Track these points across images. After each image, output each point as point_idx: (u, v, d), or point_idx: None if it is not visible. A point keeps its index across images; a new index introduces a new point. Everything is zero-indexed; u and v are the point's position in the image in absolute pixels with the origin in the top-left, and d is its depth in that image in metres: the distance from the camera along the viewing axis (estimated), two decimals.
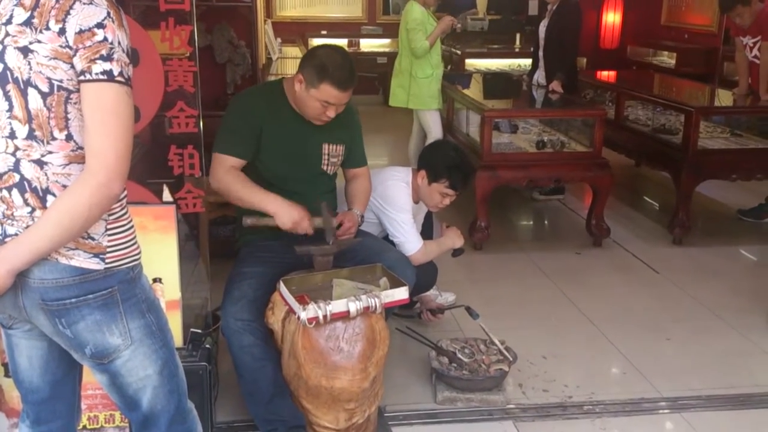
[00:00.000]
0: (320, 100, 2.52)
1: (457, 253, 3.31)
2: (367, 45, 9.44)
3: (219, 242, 3.55)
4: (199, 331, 2.55)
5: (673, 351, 3.30)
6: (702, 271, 4.23)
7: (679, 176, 4.57)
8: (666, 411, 2.84)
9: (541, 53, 5.48)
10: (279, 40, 7.84)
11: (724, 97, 5.61)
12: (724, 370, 3.13)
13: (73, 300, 1.52)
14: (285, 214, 2.50)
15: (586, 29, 8.03)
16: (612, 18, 9.42)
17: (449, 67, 7.91)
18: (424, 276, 3.10)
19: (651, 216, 5.51)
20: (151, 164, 2.59)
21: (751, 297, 3.82)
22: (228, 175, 2.55)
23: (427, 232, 3.42)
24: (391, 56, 5.84)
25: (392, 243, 3.04)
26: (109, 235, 1.55)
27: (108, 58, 1.43)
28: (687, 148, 4.51)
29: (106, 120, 1.44)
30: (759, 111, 5.09)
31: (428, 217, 3.50)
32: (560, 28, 5.21)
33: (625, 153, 5.52)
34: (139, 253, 1.64)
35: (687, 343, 3.36)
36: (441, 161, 3.12)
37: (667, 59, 8.47)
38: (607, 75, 6.75)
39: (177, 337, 2.36)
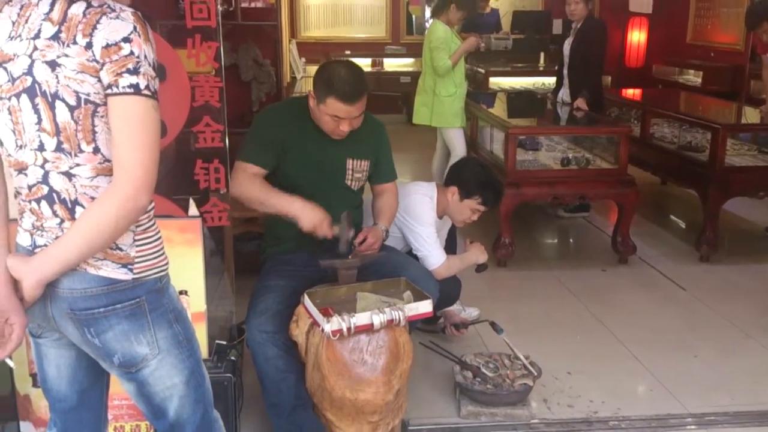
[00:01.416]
0: (330, 115, 2.55)
1: (480, 268, 3.31)
2: (391, 65, 9.51)
3: (244, 257, 3.57)
4: (224, 342, 2.57)
5: (701, 368, 3.25)
6: (730, 289, 4.17)
7: (706, 194, 4.52)
8: (693, 427, 2.80)
9: (565, 71, 5.48)
10: (303, 59, 7.94)
11: (751, 115, 5.56)
12: (752, 387, 3.08)
13: (101, 309, 1.54)
14: (307, 215, 2.52)
15: (611, 48, 8.02)
16: (637, 37, 9.39)
17: (476, 88, 7.94)
18: (448, 290, 3.10)
19: (677, 234, 5.45)
20: (178, 179, 2.62)
21: None
22: (250, 181, 2.59)
23: (450, 247, 3.42)
24: (415, 76, 5.89)
25: (416, 257, 3.04)
26: (137, 246, 1.57)
27: (134, 71, 1.46)
28: (714, 165, 4.47)
29: (132, 133, 1.46)
30: None
31: (452, 232, 3.51)
32: (585, 45, 5.21)
33: (651, 171, 5.48)
34: (166, 263, 1.66)
35: (715, 361, 3.31)
36: (473, 178, 3.16)
37: (693, 77, 8.41)
38: (632, 93, 6.72)
39: (202, 349, 2.37)
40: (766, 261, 4.63)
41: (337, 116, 2.54)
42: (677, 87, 8.15)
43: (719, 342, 3.51)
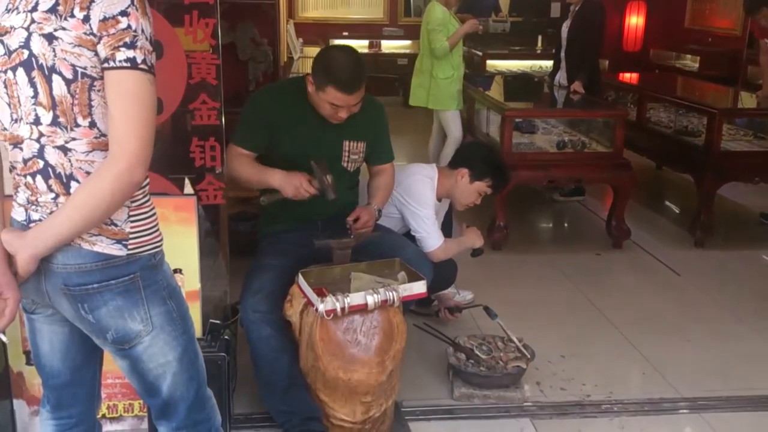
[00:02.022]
0: (328, 102, 2.54)
1: (476, 253, 3.31)
2: (388, 46, 9.47)
3: (239, 238, 3.56)
4: (218, 322, 2.57)
5: (694, 353, 3.27)
6: (724, 275, 4.19)
7: (701, 178, 4.53)
8: (685, 411, 2.81)
9: (563, 54, 5.46)
10: (301, 40, 7.88)
11: (748, 100, 5.56)
12: (745, 372, 3.10)
13: (95, 285, 1.54)
14: (287, 184, 2.56)
15: (609, 32, 7.98)
16: (635, 21, 9.36)
17: (474, 71, 7.91)
18: (444, 273, 3.10)
19: (672, 218, 5.46)
20: (173, 158, 2.61)
21: None
22: (237, 160, 2.63)
23: (446, 231, 3.42)
24: (412, 58, 5.87)
25: (412, 240, 3.04)
26: (132, 221, 1.57)
27: (132, 45, 1.45)
28: (709, 150, 4.47)
29: (129, 107, 1.45)
30: None
31: (448, 216, 3.51)
32: (583, 28, 5.19)
33: (647, 155, 5.49)
34: (161, 240, 1.65)
35: (708, 346, 3.33)
36: (485, 161, 3.20)
37: (691, 63, 8.40)
38: (629, 77, 6.72)
39: (196, 328, 2.35)
40: (759, 246, 4.64)
41: (336, 104, 2.54)
42: (674, 72, 8.14)
43: (712, 327, 3.52)
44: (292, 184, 2.55)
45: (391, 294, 2.31)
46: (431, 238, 3.03)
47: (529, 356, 2.89)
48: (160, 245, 1.65)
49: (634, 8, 9.30)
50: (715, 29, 8.38)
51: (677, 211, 5.68)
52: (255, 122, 2.66)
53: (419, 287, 2.40)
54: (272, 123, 2.64)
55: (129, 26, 1.44)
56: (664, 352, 3.24)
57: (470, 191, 3.18)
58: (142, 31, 1.47)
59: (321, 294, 2.27)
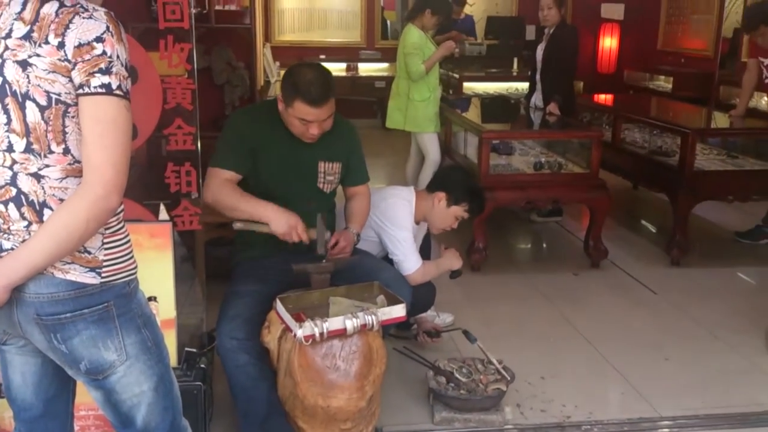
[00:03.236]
0: (298, 118, 2.53)
1: (455, 275, 3.31)
2: (366, 69, 9.51)
3: (216, 263, 3.53)
4: (194, 350, 2.53)
5: (672, 371, 3.28)
6: (700, 292, 4.22)
7: (676, 198, 4.58)
8: (665, 430, 2.82)
9: (538, 76, 5.51)
10: (278, 63, 7.91)
11: (721, 120, 5.64)
12: (723, 389, 3.11)
13: (68, 315, 1.52)
14: (281, 219, 2.50)
15: (584, 54, 8.10)
16: (609, 43, 9.50)
17: (450, 92, 7.96)
18: (422, 296, 3.10)
19: (649, 237, 5.51)
20: (149, 183, 2.60)
21: (748, 318, 3.80)
22: (223, 187, 2.56)
23: (425, 253, 3.41)
24: (390, 80, 5.90)
25: (391, 262, 3.04)
26: (106, 249, 1.55)
27: (107, 71, 1.44)
28: (683, 169, 4.53)
29: (104, 133, 1.45)
30: (754, 133, 5.11)
31: (426, 238, 3.51)
32: (557, 50, 5.25)
33: (623, 175, 5.54)
34: (135, 267, 1.64)
35: (685, 363, 3.35)
36: (462, 186, 3.20)
37: (664, 83, 8.53)
38: (604, 98, 6.80)
39: (172, 357, 2.35)
40: (734, 264, 4.69)
41: (305, 119, 2.53)
42: (648, 92, 8.26)
43: (690, 344, 3.54)
44: (287, 223, 2.50)
45: (370, 318, 2.29)
46: (409, 261, 3.02)
47: (509, 378, 2.88)
48: (135, 273, 1.64)
49: (608, 30, 9.45)
50: (688, 50, 8.54)
51: (653, 230, 5.73)
52: (236, 143, 2.63)
53: (398, 311, 2.39)
54: (253, 144, 2.62)
55: (104, 52, 1.44)
56: (643, 371, 3.25)
57: (447, 215, 3.18)
58: (118, 57, 1.47)
59: (299, 319, 2.25)
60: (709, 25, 8.11)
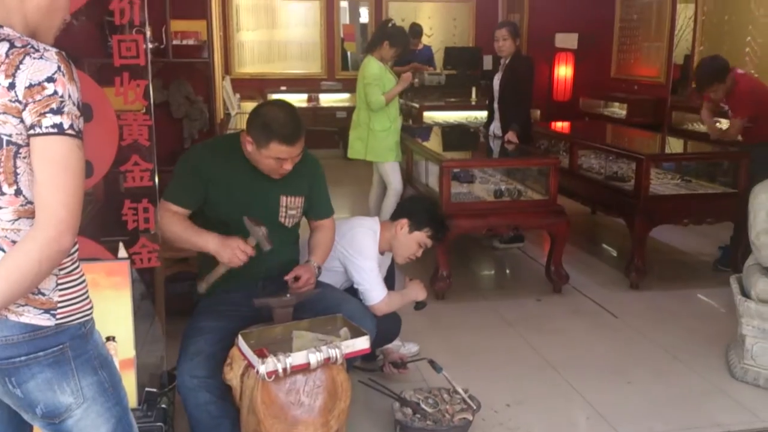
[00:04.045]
0: (272, 158, 2.54)
1: (419, 306, 3.32)
2: (327, 100, 9.56)
3: (176, 299, 3.49)
4: (155, 390, 2.49)
5: (635, 394, 3.31)
6: (660, 315, 4.29)
7: (632, 222, 4.66)
8: None
9: (496, 105, 5.60)
10: (238, 95, 7.90)
11: (674, 145, 5.78)
12: (686, 411, 3.15)
13: (23, 358, 1.49)
14: (223, 249, 2.49)
15: (539, 82, 8.25)
16: (564, 71, 9.70)
17: (410, 121, 8.03)
18: (387, 327, 3.09)
19: (608, 261, 5.59)
20: (106, 221, 2.56)
21: (708, 339, 3.87)
22: (170, 219, 2.57)
23: (389, 284, 3.41)
24: (351, 110, 5.93)
25: (354, 293, 3.03)
26: (60, 290, 1.53)
27: (58, 111, 1.43)
28: (639, 194, 4.62)
29: (56, 173, 1.43)
30: (706, 157, 5.24)
31: (391, 269, 3.51)
32: (514, 81, 5.35)
33: (581, 201, 5.63)
34: (91, 308, 1.61)
35: (648, 386, 3.38)
36: (424, 212, 3.22)
37: (618, 110, 8.73)
38: (560, 126, 6.92)
39: (131, 397, 2.30)
40: (693, 286, 4.78)
41: (280, 158, 2.54)
42: (603, 119, 8.44)
43: (651, 367, 3.59)
44: (228, 249, 2.49)
45: (333, 351, 2.28)
46: (374, 291, 3.02)
47: (475, 407, 2.88)
48: (90, 313, 1.61)
49: (563, 59, 9.65)
50: (640, 78, 8.76)
51: (613, 254, 5.82)
52: (188, 179, 2.63)
53: (362, 343, 2.38)
54: (206, 179, 2.61)
55: (56, 92, 1.43)
56: (606, 396, 3.28)
57: (410, 242, 3.19)
58: (69, 96, 1.46)
59: (262, 355, 2.23)
60: (660, 53, 8.34)
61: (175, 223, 2.57)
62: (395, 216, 3.27)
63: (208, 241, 2.53)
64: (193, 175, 2.62)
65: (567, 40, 9.52)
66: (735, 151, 4.91)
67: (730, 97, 4.90)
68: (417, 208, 3.27)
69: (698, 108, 5.55)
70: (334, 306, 2.65)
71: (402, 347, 3.55)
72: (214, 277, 2.53)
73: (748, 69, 6.63)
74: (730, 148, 5.06)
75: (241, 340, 2.31)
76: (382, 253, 3.23)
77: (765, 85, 5.20)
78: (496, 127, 5.62)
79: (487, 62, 8.85)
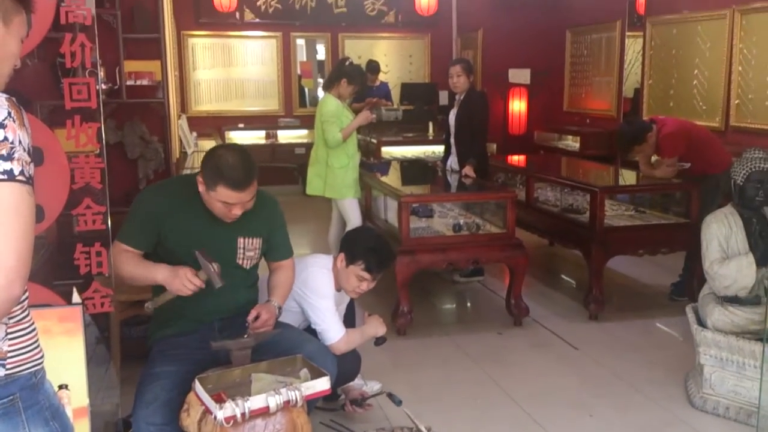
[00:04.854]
0: (221, 201, 2.52)
1: (379, 341, 3.29)
2: (285, 136, 9.56)
3: (132, 343, 3.42)
4: None
5: (596, 427, 3.33)
6: (619, 346, 4.33)
7: (589, 253, 4.73)
8: None
9: (452, 140, 5.67)
10: (195, 134, 7.85)
11: (627, 177, 5.90)
12: None
13: None
14: (172, 279, 2.48)
15: (495, 117, 8.40)
16: (518, 106, 9.90)
17: (371, 159, 8.07)
18: (347, 365, 3.06)
19: (568, 293, 5.64)
20: (58, 264, 2.51)
21: (668, 369, 3.92)
22: (123, 258, 2.56)
23: (349, 321, 3.40)
24: (310, 147, 5.95)
25: (313, 333, 3.00)
26: (10, 339, 1.48)
27: (8, 157, 1.40)
28: (594, 226, 4.70)
29: (5, 221, 1.40)
30: (658, 188, 5.36)
31: (350, 306, 3.49)
32: (468, 116, 5.42)
33: (538, 233, 5.70)
34: (41, 357, 1.57)
35: (609, 419, 3.40)
36: (359, 244, 3.16)
37: (572, 142, 8.91)
38: (517, 159, 7.02)
39: None
40: (650, 316, 4.84)
41: (228, 202, 2.52)
42: (558, 152, 8.60)
43: (612, 399, 3.61)
44: (177, 278, 2.47)
45: (293, 394, 2.25)
46: (332, 331, 3.00)
47: None
48: (41, 362, 1.57)
49: (516, 94, 9.86)
50: (592, 111, 8.99)
51: (572, 286, 5.88)
52: (142, 220, 2.61)
53: (322, 384, 2.36)
54: (161, 221, 2.59)
55: (5, 138, 1.40)
56: (568, 428, 3.29)
57: (349, 275, 3.13)
58: (20, 142, 1.43)
59: (220, 400, 2.18)
60: (611, 87, 8.58)
61: (127, 261, 2.56)
62: (339, 250, 3.25)
63: (158, 272, 2.53)
64: (147, 217, 2.60)
65: (520, 75, 9.74)
66: (685, 182, 5.03)
67: (658, 145, 5.05)
68: (353, 240, 3.23)
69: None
70: (293, 346, 2.62)
71: (364, 386, 3.51)
72: (163, 300, 2.52)
73: (697, 101, 6.87)
74: (679, 179, 5.17)
75: (198, 385, 2.26)
76: (338, 290, 3.21)
77: (690, 123, 5.35)
78: (453, 162, 5.68)
79: (443, 97, 8.99)
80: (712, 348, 3.38)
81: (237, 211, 2.56)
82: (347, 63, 5.54)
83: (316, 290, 3.04)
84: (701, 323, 3.49)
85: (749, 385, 3.27)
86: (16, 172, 1.41)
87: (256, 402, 2.19)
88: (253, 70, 9.58)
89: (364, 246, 3.14)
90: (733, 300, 3.42)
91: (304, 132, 9.46)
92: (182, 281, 2.46)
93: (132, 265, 2.56)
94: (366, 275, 3.11)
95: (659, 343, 4.41)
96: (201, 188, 2.55)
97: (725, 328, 3.38)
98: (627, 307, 5.08)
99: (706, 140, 5.11)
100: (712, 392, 3.41)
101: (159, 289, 2.61)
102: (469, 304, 5.50)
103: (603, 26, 8.64)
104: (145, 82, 5.35)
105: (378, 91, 8.84)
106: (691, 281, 4.84)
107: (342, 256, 3.14)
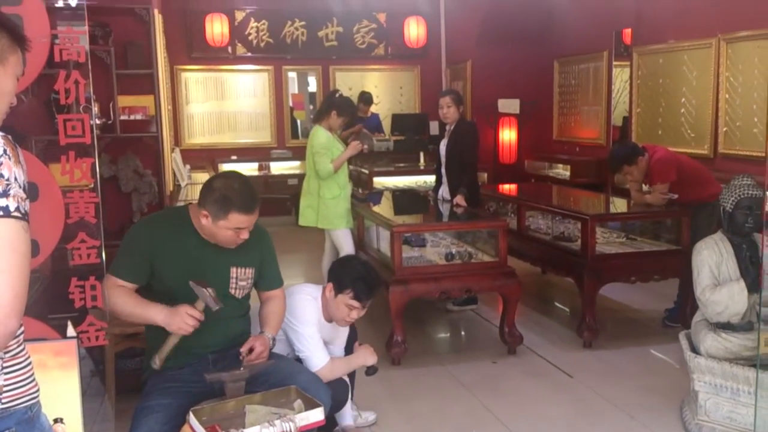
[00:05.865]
0: (231, 228, 2.57)
1: (370, 371, 3.28)
2: (278, 168, 9.62)
3: (127, 376, 3.41)
4: None
5: None
6: (613, 373, 4.34)
7: (581, 281, 4.75)
8: None
9: (443, 170, 5.71)
10: (188, 166, 7.90)
11: (618, 204, 5.95)
12: None
13: None
14: (172, 319, 2.50)
15: (485, 146, 8.48)
16: (508, 135, 9.99)
17: (366, 192, 8.11)
18: (334, 393, 3.04)
19: (561, 321, 5.65)
20: (53, 298, 2.52)
21: (663, 395, 3.92)
22: (117, 293, 2.56)
23: (349, 352, 3.38)
24: (302, 178, 5.99)
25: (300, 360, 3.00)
26: (6, 373, 1.49)
27: (4, 194, 1.42)
28: (586, 254, 4.73)
29: (2, 256, 1.41)
30: (649, 216, 5.40)
31: (351, 337, 3.47)
32: (459, 146, 5.48)
33: (531, 261, 5.72)
34: (37, 390, 1.57)
35: None
36: (347, 273, 3.15)
37: (562, 171, 8.99)
38: (508, 188, 7.08)
39: None
40: (644, 343, 4.85)
41: (239, 227, 2.57)
42: (548, 180, 8.67)
43: (607, 427, 3.61)
44: (177, 317, 2.49)
45: (287, 425, 2.25)
46: (315, 357, 3.00)
47: None
48: (37, 396, 1.57)
49: (506, 124, 9.96)
50: (581, 139, 9.08)
51: (566, 313, 5.89)
52: (134, 253, 2.63)
53: (316, 415, 2.36)
54: (153, 254, 2.61)
55: (1, 175, 1.43)
56: None
57: (338, 305, 3.13)
58: (15, 179, 1.45)
59: None
60: (599, 115, 8.68)
61: (122, 297, 2.56)
62: (327, 280, 3.26)
63: (156, 314, 2.53)
64: (139, 251, 2.62)
65: (509, 105, 9.85)
66: (676, 210, 5.08)
67: (649, 172, 5.11)
68: (340, 270, 3.21)
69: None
70: (287, 377, 2.62)
71: (359, 417, 3.51)
72: (167, 349, 2.51)
73: (685, 129, 6.96)
74: (673, 207, 5.22)
75: (192, 418, 2.26)
76: (330, 320, 3.20)
77: (680, 154, 5.42)
78: (444, 191, 5.72)
79: (434, 127, 9.07)
80: (707, 375, 3.39)
81: (245, 235, 2.62)
82: (337, 95, 5.62)
83: (300, 317, 3.05)
84: (694, 350, 3.50)
85: (744, 411, 3.28)
86: (12, 209, 1.43)
87: None
88: (245, 102, 9.67)
89: (351, 274, 3.14)
90: (726, 326, 3.44)
91: (296, 163, 9.52)
92: (182, 318, 2.48)
93: (129, 305, 2.57)
94: (355, 303, 3.11)
95: (654, 370, 4.41)
96: (204, 221, 2.58)
97: (718, 355, 3.39)
98: (621, 334, 5.09)
99: (695, 170, 5.18)
100: (708, 419, 3.41)
101: (153, 336, 2.62)
102: (463, 333, 5.50)
103: (590, 56, 8.77)
104: (138, 117, 5.40)
105: (369, 122, 8.93)
106: (684, 307, 4.86)
107: (330, 286, 3.15)
